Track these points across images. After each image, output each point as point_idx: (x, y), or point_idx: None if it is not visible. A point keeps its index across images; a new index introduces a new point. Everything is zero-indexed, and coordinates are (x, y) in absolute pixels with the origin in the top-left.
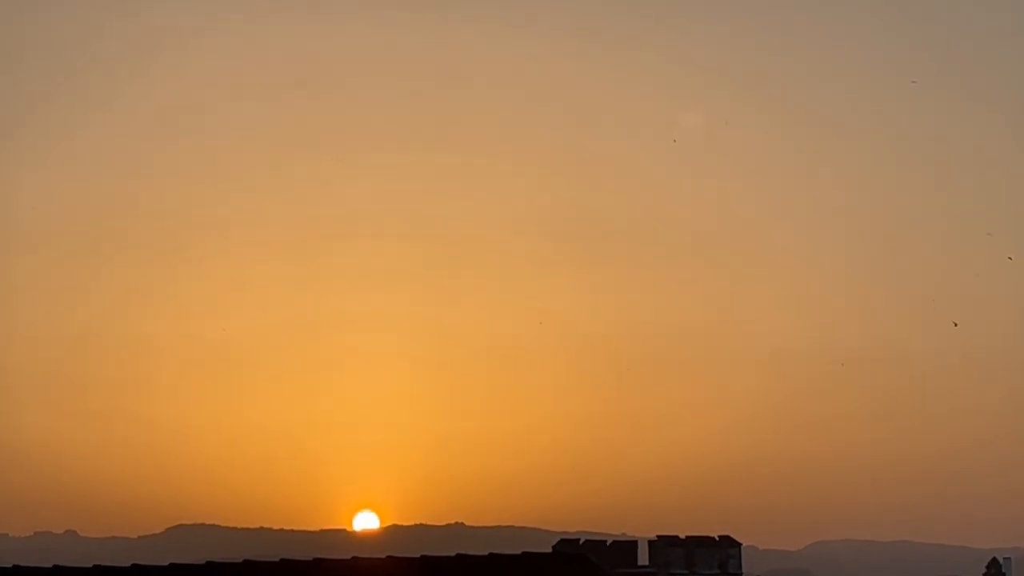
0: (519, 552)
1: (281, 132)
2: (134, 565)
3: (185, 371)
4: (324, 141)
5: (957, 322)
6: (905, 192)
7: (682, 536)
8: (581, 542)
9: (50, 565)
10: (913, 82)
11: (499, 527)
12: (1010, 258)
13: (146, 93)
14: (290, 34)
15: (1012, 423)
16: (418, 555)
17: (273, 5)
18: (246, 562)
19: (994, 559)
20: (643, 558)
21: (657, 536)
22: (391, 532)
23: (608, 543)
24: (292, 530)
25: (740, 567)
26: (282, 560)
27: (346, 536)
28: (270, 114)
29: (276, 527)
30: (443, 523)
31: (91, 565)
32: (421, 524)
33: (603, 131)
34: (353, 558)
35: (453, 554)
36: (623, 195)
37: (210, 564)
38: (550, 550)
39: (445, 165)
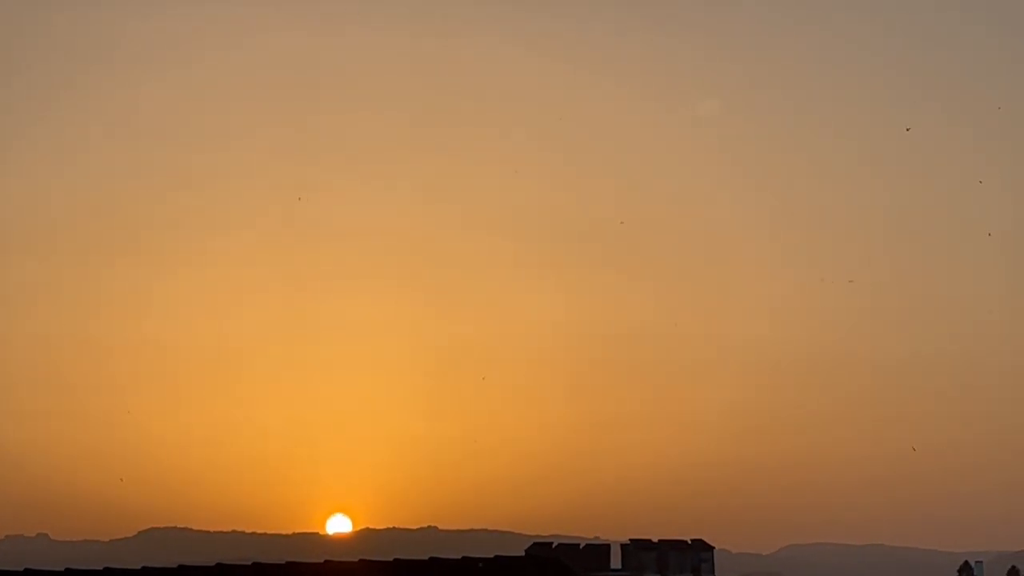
0: (492, 555)
1: (273, 137)
2: (106, 568)
3: (158, 375)
4: (314, 147)
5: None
6: (877, 196)
7: (655, 540)
8: (554, 545)
9: (22, 568)
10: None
11: (472, 530)
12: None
13: (137, 97)
14: (285, 41)
15: (985, 427)
16: (391, 558)
17: (268, 12)
18: (218, 565)
19: (966, 563)
20: (616, 561)
21: (630, 539)
22: (364, 536)
23: (581, 546)
24: (264, 533)
25: (713, 570)
26: (254, 564)
27: (319, 539)
28: (263, 119)
29: (248, 530)
30: (416, 526)
31: (63, 568)
32: (393, 527)
33: (575, 135)
34: (325, 561)
35: (426, 557)
36: (593, 199)
37: (182, 568)
38: (523, 553)
39: (427, 168)
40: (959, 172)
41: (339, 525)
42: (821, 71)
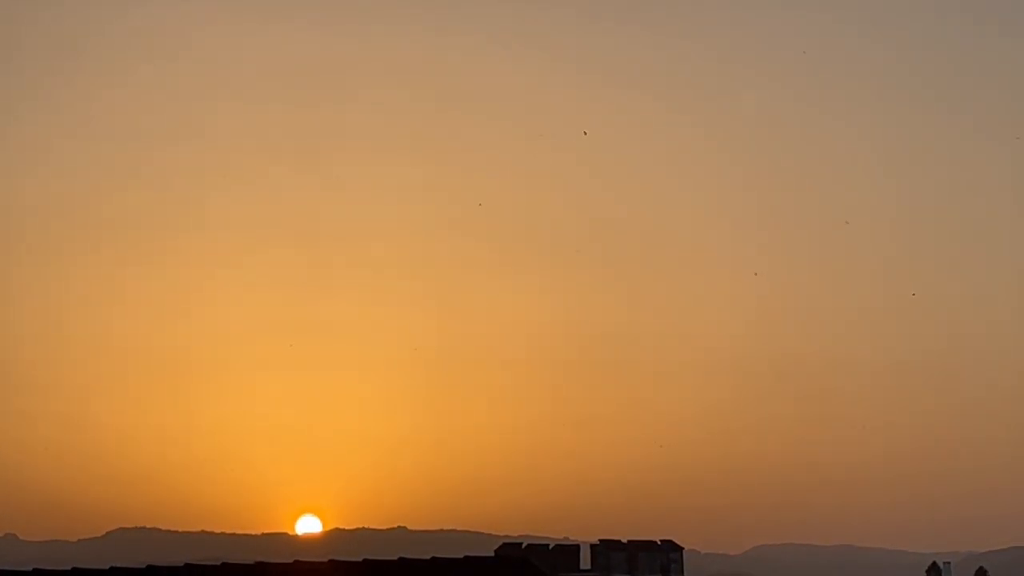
0: (461, 556)
1: (247, 137)
2: (74, 569)
3: (127, 375)
4: (298, 145)
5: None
6: (847, 198)
7: (624, 540)
8: (523, 546)
9: None
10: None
11: (441, 531)
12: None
13: (121, 92)
14: (276, 37)
15: (952, 429)
16: (360, 559)
17: (255, 8)
18: (187, 566)
19: (934, 563)
20: (585, 562)
21: (599, 540)
22: (333, 536)
23: (550, 547)
24: (234, 534)
25: (682, 571)
26: (223, 564)
27: (288, 540)
28: (240, 118)
29: (217, 531)
30: (385, 527)
31: (31, 569)
32: (363, 528)
33: (550, 137)
34: (295, 562)
35: (395, 558)
36: (567, 200)
37: (151, 568)
38: (492, 554)
39: (418, 170)
40: (946, 170)
41: (308, 525)
42: (799, 71)
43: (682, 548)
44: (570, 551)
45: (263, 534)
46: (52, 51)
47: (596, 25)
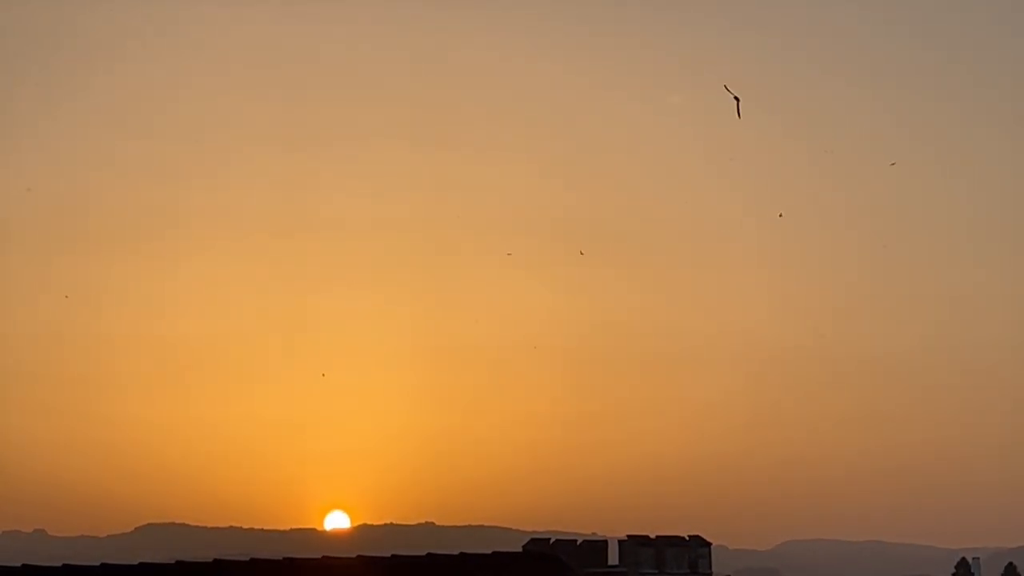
0: (489, 551)
1: (250, 128)
2: (103, 564)
3: (155, 369)
4: (295, 137)
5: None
6: (883, 192)
7: (652, 536)
8: (551, 542)
9: (19, 564)
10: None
11: (469, 526)
12: None
13: (113, 86)
14: (267, 27)
15: (982, 425)
16: (388, 554)
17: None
18: (216, 561)
19: (963, 559)
20: (613, 558)
21: (627, 536)
22: (361, 531)
23: (578, 543)
24: (262, 529)
25: (710, 567)
26: (252, 559)
27: (316, 535)
28: (242, 109)
29: (246, 526)
30: (413, 523)
31: (60, 564)
32: (391, 524)
33: (582, 131)
34: (323, 557)
35: (423, 554)
36: (599, 195)
37: (179, 563)
38: (520, 550)
39: (420, 162)
40: (957, 165)
41: (337, 521)
42: (822, 62)
43: (710, 543)
44: (598, 547)
45: (292, 530)
46: (48, 50)
47: (610, 11)
